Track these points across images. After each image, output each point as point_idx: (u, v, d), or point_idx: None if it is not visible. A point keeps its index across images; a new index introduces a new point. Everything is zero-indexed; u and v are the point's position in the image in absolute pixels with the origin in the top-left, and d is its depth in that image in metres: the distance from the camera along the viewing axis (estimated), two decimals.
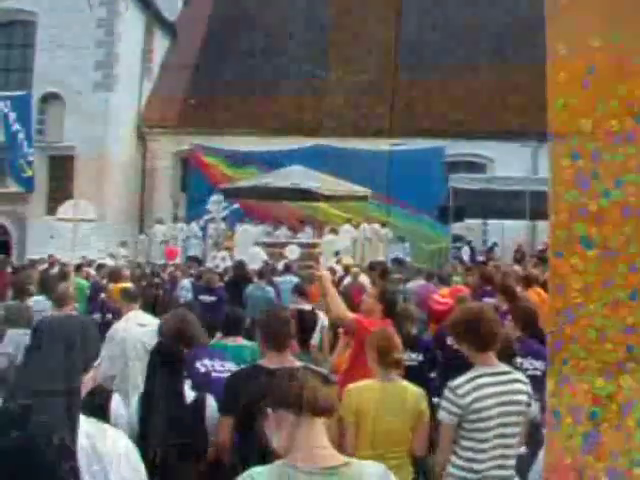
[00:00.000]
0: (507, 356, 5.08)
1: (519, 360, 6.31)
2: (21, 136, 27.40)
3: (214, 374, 5.59)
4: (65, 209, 13.44)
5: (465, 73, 30.98)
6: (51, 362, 2.45)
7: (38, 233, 27.21)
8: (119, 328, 7.03)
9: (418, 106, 30.74)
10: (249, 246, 22.37)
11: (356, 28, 33.82)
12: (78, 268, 15.88)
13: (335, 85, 32.09)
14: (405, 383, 4.95)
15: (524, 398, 4.37)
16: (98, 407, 4.37)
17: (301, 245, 22.80)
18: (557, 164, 2.44)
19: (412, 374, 6.52)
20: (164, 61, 35.01)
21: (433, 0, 34.25)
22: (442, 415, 4.31)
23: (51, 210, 28.17)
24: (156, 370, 4.75)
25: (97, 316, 10.76)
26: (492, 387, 4.27)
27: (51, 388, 2.39)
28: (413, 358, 7.27)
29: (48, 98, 29.96)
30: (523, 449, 4.66)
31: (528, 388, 4.45)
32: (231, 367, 5.64)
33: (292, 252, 20.09)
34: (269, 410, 2.68)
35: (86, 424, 2.54)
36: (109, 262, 23.66)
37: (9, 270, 14.72)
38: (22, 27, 31.17)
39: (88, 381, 2.68)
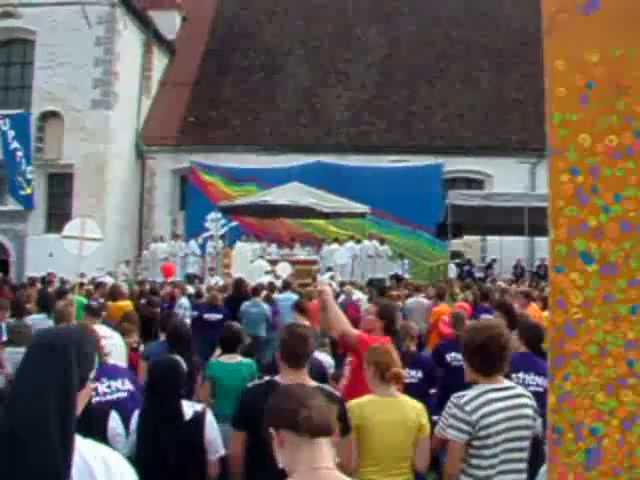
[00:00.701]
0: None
1: (521, 375, 6.31)
2: (20, 154, 27.44)
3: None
4: (71, 227, 13.35)
5: (463, 89, 31.09)
6: (44, 378, 2.36)
7: (37, 251, 27.15)
8: None
9: (417, 122, 30.81)
10: (245, 263, 22.36)
11: (355, 45, 33.97)
12: (79, 286, 15.86)
13: (334, 102, 32.16)
14: (405, 397, 4.94)
15: (530, 412, 4.34)
16: (95, 426, 4.36)
17: (298, 262, 22.81)
18: (556, 179, 2.43)
19: (412, 391, 6.50)
20: (163, 79, 35.08)
21: (432, 17, 34.37)
22: (452, 434, 4.25)
23: (50, 228, 28.23)
24: (154, 389, 4.75)
25: None
26: (499, 402, 4.24)
27: (43, 406, 2.30)
28: (413, 375, 7.27)
29: (47, 116, 29.99)
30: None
31: (533, 402, 4.42)
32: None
33: (283, 269, 20.05)
34: (271, 429, 2.65)
35: (82, 444, 2.46)
36: (108, 280, 23.67)
37: (6, 289, 14.65)
38: (21, 45, 31.23)
39: (86, 395, 2.58)
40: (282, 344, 4.74)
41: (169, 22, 35.95)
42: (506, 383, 4.42)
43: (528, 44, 27.30)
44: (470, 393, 4.32)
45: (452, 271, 24.70)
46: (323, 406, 2.60)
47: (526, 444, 4.31)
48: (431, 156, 28.93)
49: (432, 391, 7.26)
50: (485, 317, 11.22)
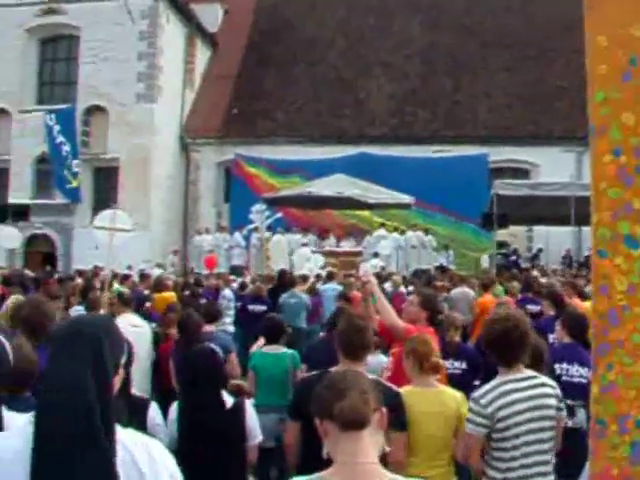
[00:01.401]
0: (536, 363, 4.96)
1: (565, 366, 6.20)
2: (66, 148, 27.72)
3: None
4: (102, 218, 13.51)
5: (508, 78, 30.73)
6: (79, 364, 2.35)
7: (84, 244, 27.43)
8: None
9: (461, 112, 30.53)
10: (282, 255, 22.40)
11: (397, 35, 33.75)
12: (125, 278, 15.99)
13: (376, 92, 32.01)
14: (444, 388, 4.87)
15: (553, 402, 4.25)
16: (135, 416, 4.36)
17: (342, 254, 22.79)
18: (599, 160, 2.33)
19: (455, 382, 6.45)
20: (206, 72, 35.19)
21: (474, 5, 34.00)
22: (468, 427, 4.22)
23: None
24: (194, 380, 4.73)
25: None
26: (518, 393, 4.17)
27: (84, 395, 2.29)
28: (457, 366, 7.19)
29: (92, 110, 30.26)
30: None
31: (557, 392, 4.33)
32: None
33: (315, 262, 20.00)
34: (316, 419, 2.60)
35: (123, 433, 2.45)
36: (157, 271, 23.87)
37: (52, 281, 14.78)
38: (66, 41, 31.57)
39: (118, 381, 2.57)
40: (340, 335, 4.70)
41: (211, 15, 36.02)
42: (527, 373, 4.34)
43: (572, 30, 26.84)
44: (486, 386, 4.28)
45: (485, 262, 24.50)
46: (359, 398, 2.51)
47: (549, 435, 4.22)
48: (476, 146, 28.61)
49: (476, 382, 7.14)
50: (531, 307, 11.14)
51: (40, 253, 29.90)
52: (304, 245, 23.39)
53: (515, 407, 4.11)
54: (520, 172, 29.79)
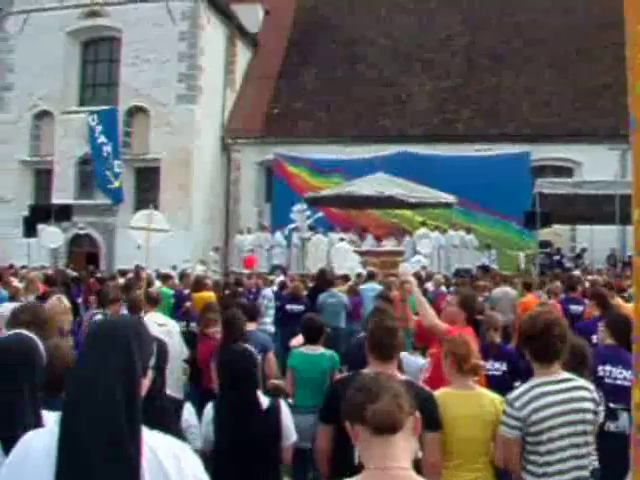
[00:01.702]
0: (577, 364, 4.84)
1: (608, 368, 6.07)
2: (107, 149, 27.95)
3: None
4: (138, 219, 13.64)
5: (550, 75, 30.37)
6: (107, 364, 2.34)
7: (126, 244, 27.66)
8: None
9: (503, 110, 30.25)
10: (323, 256, 22.37)
11: (438, 33, 33.53)
12: (166, 278, 16.04)
13: (418, 91, 31.83)
14: (483, 390, 4.76)
15: (590, 406, 4.13)
16: (169, 417, 4.32)
17: (384, 253, 22.70)
18: None
19: (495, 383, 6.33)
20: (246, 72, 35.27)
21: (516, 2, 33.66)
22: (502, 430, 4.14)
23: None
24: (230, 381, 4.69)
25: (182, 324, 10.77)
26: (553, 396, 4.06)
27: (109, 396, 2.29)
28: (497, 367, 7.07)
29: (134, 111, 30.51)
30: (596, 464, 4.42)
31: (594, 395, 4.21)
32: None
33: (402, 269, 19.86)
34: (347, 423, 2.53)
35: (150, 436, 2.42)
36: (199, 268, 24.01)
37: (93, 281, 14.91)
38: (108, 43, 31.85)
39: (147, 382, 2.56)
40: (369, 335, 4.65)
41: (252, 16, 36.07)
42: (563, 375, 4.22)
43: (617, 25, 26.28)
44: (520, 388, 4.20)
45: (521, 260, 24.25)
46: (392, 401, 2.43)
47: (585, 439, 4.10)
48: (518, 144, 28.32)
49: (517, 384, 7.01)
50: (574, 308, 10.97)
51: (83, 253, 30.22)
52: (342, 240, 23.37)
53: (549, 410, 4.01)
54: (563, 170, 29.42)
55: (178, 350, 8.04)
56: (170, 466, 2.37)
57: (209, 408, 4.77)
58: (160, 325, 7.82)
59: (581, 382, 4.26)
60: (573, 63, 30.42)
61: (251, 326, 8.27)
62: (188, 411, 4.48)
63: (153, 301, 9.05)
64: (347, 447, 2.64)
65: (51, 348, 3.72)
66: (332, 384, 4.77)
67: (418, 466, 2.52)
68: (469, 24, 33.72)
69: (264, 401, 4.69)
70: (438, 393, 4.65)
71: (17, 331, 3.53)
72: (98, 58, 32.42)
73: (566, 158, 29.17)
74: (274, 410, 4.67)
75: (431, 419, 3.94)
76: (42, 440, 2.33)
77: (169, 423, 4.24)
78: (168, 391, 4.66)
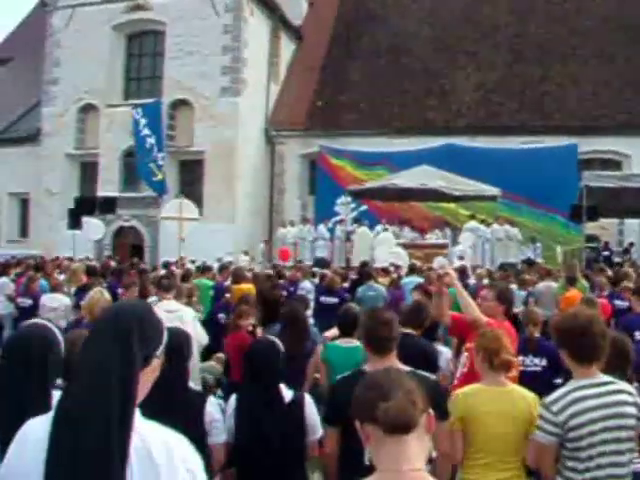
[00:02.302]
0: (620, 362, 4.63)
1: None
2: (151, 141, 27.97)
3: None
4: (169, 209, 14.02)
5: (597, 66, 29.87)
6: (107, 352, 2.30)
7: (170, 236, 27.83)
8: None
9: (549, 102, 29.82)
10: (366, 248, 22.25)
11: (483, 24, 33.16)
12: (205, 270, 16.05)
13: (463, 83, 31.51)
14: (515, 386, 4.60)
15: (632, 410, 3.92)
16: (192, 410, 4.25)
17: (426, 246, 22.57)
18: None
19: (535, 379, 6.17)
20: (290, 64, 35.24)
21: None
22: (538, 435, 3.94)
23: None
24: (253, 372, 4.60)
25: (221, 316, 10.75)
26: (592, 400, 3.86)
27: (105, 380, 2.26)
28: (536, 363, 6.91)
29: (177, 104, 30.67)
30: None
31: (636, 399, 3.99)
32: None
33: (438, 262, 19.69)
34: (356, 421, 2.38)
35: (144, 425, 2.36)
36: (243, 259, 24.10)
37: (133, 272, 14.98)
38: (152, 36, 32.06)
39: (153, 371, 2.49)
40: (364, 330, 4.51)
41: (296, 8, 36.03)
42: (603, 378, 4.01)
43: None
44: (558, 391, 3.98)
45: (559, 254, 23.91)
46: (405, 398, 2.27)
47: (627, 446, 3.90)
48: (564, 136, 27.86)
49: (557, 381, 6.80)
50: (619, 303, 10.72)
51: (128, 245, 30.45)
52: (386, 230, 23.29)
53: (589, 415, 3.82)
54: (611, 163, 28.94)
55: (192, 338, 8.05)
56: (160, 456, 2.31)
57: (232, 400, 4.68)
58: (170, 312, 7.79)
59: (622, 385, 4.06)
60: (620, 53, 29.89)
61: None
62: (211, 404, 4.39)
63: (164, 287, 9.00)
64: (356, 448, 2.50)
65: (76, 338, 3.69)
66: (336, 383, 4.61)
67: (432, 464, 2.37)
68: (515, 14, 33.29)
69: (287, 394, 4.58)
70: (469, 389, 4.52)
71: (35, 321, 3.48)
72: (142, 52, 32.70)
73: (614, 151, 28.66)
74: (297, 404, 4.56)
75: (439, 408, 3.75)
76: (43, 425, 2.31)
77: (192, 417, 4.16)
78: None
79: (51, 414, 2.31)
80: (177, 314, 8.07)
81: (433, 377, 4.57)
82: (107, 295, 8.07)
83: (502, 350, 4.49)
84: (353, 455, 3.57)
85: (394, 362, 4.28)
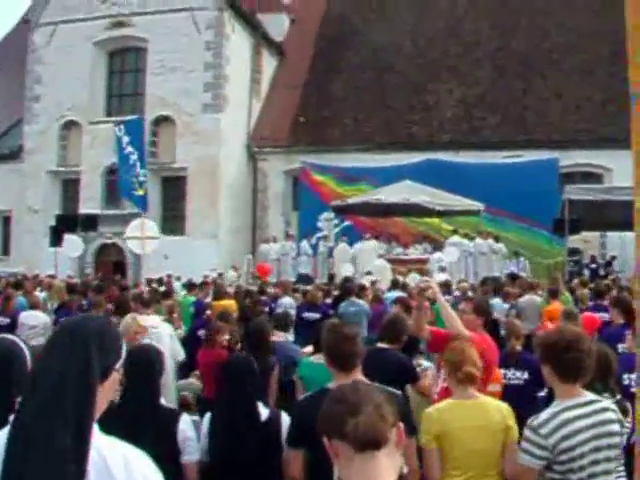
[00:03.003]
0: (603, 374, 4.60)
1: (634, 377, 5.83)
2: (134, 157, 27.86)
3: None
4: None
5: (579, 80, 30.01)
6: (63, 365, 2.24)
7: (153, 253, 27.74)
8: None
9: (531, 116, 29.93)
10: (346, 263, 22.25)
11: (466, 39, 33.29)
12: (191, 287, 15.97)
13: (446, 98, 31.60)
14: (487, 399, 4.52)
15: (617, 428, 3.84)
16: (164, 429, 4.16)
17: (409, 261, 22.58)
18: None
19: (517, 393, 6.11)
20: (273, 81, 35.28)
21: (543, 7, 33.27)
22: (524, 459, 3.82)
23: (165, 230, 28.75)
24: (228, 390, 4.52)
25: (202, 332, 10.63)
26: (581, 421, 3.77)
27: (61, 394, 2.19)
28: (518, 376, 6.87)
29: (160, 121, 30.61)
30: None
31: (619, 415, 3.93)
32: None
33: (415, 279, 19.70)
34: (324, 438, 2.28)
35: (102, 440, 2.30)
36: (231, 274, 24.03)
37: (114, 288, 14.89)
38: (134, 53, 32.02)
39: (111, 386, 2.44)
40: (326, 347, 4.38)
41: (277, 24, 36.13)
42: (588, 397, 3.93)
43: None
44: (545, 413, 3.86)
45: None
46: (375, 413, 2.19)
47: (615, 465, 3.83)
48: (546, 150, 27.97)
49: (540, 394, 6.76)
50: (601, 316, 10.69)
51: (110, 262, 30.26)
52: (367, 239, 23.38)
53: (579, 437, 3.73)
54: (592, 177, 29.06)
55: (168, 355, 7.93)
56: (119, 471, 2.26)
57: (207, 419, 4.58)
58: (153, 327, 7.89)
59: (605, 403, 4.00)
60: (602, 66, 30.02)
61: (282, 336, 8.16)
62: (184, 422, 4.29)
63: (144, 304, 9.10)
64: (325, 467, 2.41)
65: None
66: (295, 405, 4.51)
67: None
68: (497, 30, 33.45)
69: (263, 412, 4.49)
70: (441, 405, 4.44)
71: (3, 336, 3.42)
72: (124, 68, 32.67)
73: (595, 164, 28.80)
74: (274, 421, 4.47)
75: (408, 424, 3.66)
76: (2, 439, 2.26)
77: (164, 435, 4.07)
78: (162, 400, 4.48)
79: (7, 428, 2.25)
80: (156, 330, 7.98)
81: (399, 392, 4.48)
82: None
83: (465, 363, 4.41)
84: (321, 474, 3.47)
85: (359, 377, 4.17)
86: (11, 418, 2.51)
